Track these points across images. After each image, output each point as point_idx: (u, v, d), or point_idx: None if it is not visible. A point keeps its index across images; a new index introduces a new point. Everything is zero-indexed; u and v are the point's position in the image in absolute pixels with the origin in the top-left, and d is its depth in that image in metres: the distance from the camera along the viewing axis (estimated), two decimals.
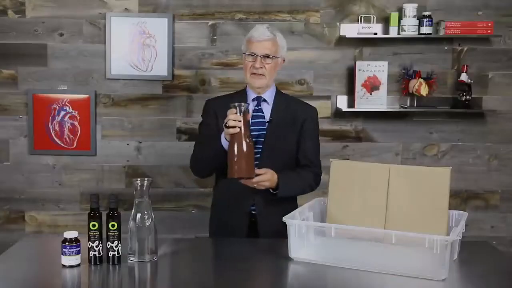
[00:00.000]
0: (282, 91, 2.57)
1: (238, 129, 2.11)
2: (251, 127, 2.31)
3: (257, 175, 2.22)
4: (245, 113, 2.13)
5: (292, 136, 2.43)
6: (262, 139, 2.38)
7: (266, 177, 2.25)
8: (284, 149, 2.41)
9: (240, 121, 2.11)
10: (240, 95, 2.45)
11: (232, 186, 2.33)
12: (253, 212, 2.40)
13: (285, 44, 2.42)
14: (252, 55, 2.34)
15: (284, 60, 2.45)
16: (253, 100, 2.43)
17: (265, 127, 2.39)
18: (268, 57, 2.34)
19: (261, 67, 2.34)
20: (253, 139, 2.26)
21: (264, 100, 2.43)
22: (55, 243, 2.01)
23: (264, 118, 2.41)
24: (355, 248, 1.97)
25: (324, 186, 2.32)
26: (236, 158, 2.11)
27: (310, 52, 3.49)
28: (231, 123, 2.11)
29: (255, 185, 2.25)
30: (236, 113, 2.12)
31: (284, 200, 2.35)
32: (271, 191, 2.31)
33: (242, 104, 2.14)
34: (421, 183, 2.04)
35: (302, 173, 2.43)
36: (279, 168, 2.32)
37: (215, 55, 3.48)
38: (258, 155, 2.33)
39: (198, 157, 2.43)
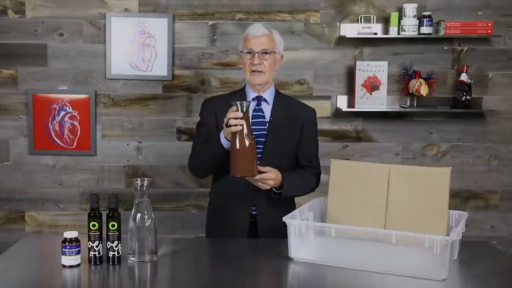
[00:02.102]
0: (281, 91, 2.57)
1: (240, 127, 2.09)
2: (251, 127, 2.30)
3: (260, 172, 2.21)
4: (246, 110, 2.11)
5: (292, 137, 2.43)
6: (263, 139, 2.37)
7: (271, 176, 2.25)
8: (285, 149, 2.41)
9: (241, 118, 2.09)
10: (240, 95, 2.44)
11: (233, 187, 2.33)
12: (254, 212, 2.40)
13: (281, 41, 2.42)
14: (250, 52, 2.34)
15: (282, 57, 2.44)
16: (253, 99, 2.41)
17: (265, 127, 2.39)
18: (266, 52, 2.33)
19: (260, 63, 2.33)
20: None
21: (264, 100, 2.42)
22: (55, 243, 2.01)
23: (265, 118, 2.40)
24: (355, 248, 1.97)
25: (324, 186, 2.32)
26: (238, 156, 2.10)
27: (310, 52, 3.49)
28: (232, 122, 2.09)
29: (259, 183, 2.25)
30: (236, 111, 2.10)
31: (283, 201, 2.36)
32: (275, 190, 2.31)
33: (244, 102, 2.12)
34: (421, 183, 2.04)
35: (304, 174, 2.43)
36: (280, 168, 2.31)
37: (215, 55, 3.48)
38: (259, 155, 2.33)
39: (197, 159, 2.41)
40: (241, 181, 2.23)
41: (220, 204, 2.46)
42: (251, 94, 2.42)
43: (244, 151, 2.10)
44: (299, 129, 2.44)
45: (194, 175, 2.54)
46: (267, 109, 2.42)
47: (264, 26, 2.38)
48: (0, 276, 1.84)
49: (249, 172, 2.13)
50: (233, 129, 2.09)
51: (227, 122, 2.12)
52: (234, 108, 2.12)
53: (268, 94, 2.44)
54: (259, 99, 2.42)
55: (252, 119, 2.34)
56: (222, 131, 2.23)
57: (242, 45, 2.39)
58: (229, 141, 2.16)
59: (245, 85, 2.47)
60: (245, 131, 2.10)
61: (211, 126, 2.40)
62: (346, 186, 2.16)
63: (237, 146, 2.10)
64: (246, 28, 2.43)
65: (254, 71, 2.34)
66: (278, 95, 2.47)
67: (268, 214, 2.36)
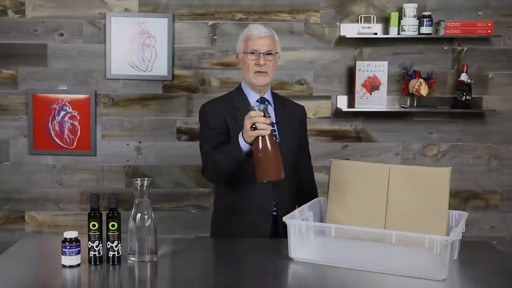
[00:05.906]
0: (282, 91, 2.56)
1: (268, 131, 2.02)
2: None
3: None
4: (265, 113, 2.05)
5: (296, 135, 2.45)
6: (277, 140, 2.34)
7: None
8: (293, 148, 2.41)
9: (269, 123, 2.03)
10: (239, 96, 2.41)
11: (251, 190, 2.28)
12: (274, 213, 2.35)
13: (279, 41, 2.42)
14: (254, 53, 2.31)
15: (279, 58, 2.43)
16: (256, 101, 2.37)
17: (274, 128, 2.36)
18: (270, 53, 2.32)
19: (265, 64, 2.31)
20: None
21: (267, 101, 2.40)
22: (55, 243, 2.00)
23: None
24: (355, 248, 1.97)
25: (324, 186, 2.32)
26: (265, 161, 2.03)
27: (310, 52, 3.49)
28: (261, 126, 2.01)
29: None
30: (264, 116, 2.02)
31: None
32: None
33: (262, 105, 2.07)
34: (421, 183, 2.04)
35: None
36: (290, 168, 2.29)
37: (215, 55, 3.48)
38: None
39: (217, 165, 2.25)
40: (259, 184, 2.14)
41: (235, 208, 2.37)
42: (253, 96, 2.39)
43: (270, 154, 2.03)
44: (299, 127, 2.47)
45: (214, 183, 2.47)
46: (270, 110, 2.39)
47: (265, 27, 2.37)
48: (0, 276, 1.84)
49: (277, 174, 2.06)
50: (262, 132, 2.01)
51: (252, 125, 2.03)
52: (260, 112, 2.03)
53: (268, 95, 2.43)
54: (262, 100, 2.39)
55: None
56: (240, 135, 2.13)
57: (243, 45, 2.35)
58: (250, 145, 2.08)
59: (240, 85, 2.44)
60: (270, 134, 2.03)
61: (221, 129, 2.33)
62: (346, 186, 2.15)
63: (264, 151, 2.02)
64: (245, 28, 2.41)
65: (258, 71, 2.32)
66: (274, 96, 2.47)
67: (287, 213, 2.33)
